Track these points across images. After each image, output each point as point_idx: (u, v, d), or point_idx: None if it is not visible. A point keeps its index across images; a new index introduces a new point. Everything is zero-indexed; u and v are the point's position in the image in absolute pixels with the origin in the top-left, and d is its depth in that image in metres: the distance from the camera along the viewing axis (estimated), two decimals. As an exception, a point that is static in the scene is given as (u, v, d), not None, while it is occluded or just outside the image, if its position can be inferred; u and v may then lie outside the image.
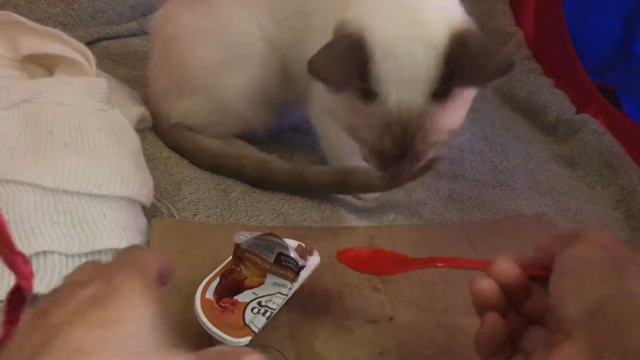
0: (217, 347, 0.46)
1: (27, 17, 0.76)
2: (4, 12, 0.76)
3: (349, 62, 0.52)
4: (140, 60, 0.90)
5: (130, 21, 1.05)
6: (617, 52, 1.13)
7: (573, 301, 0.33)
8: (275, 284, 0.53)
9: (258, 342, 0.48)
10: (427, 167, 0.65)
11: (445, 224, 0.72)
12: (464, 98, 0.57)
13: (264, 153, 0.75)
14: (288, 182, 0.72)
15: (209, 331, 0.48)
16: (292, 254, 0.53)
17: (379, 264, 0.51)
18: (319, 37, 0.55)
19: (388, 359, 0.51)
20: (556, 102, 1.00)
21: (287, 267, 0.53)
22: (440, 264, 0.47)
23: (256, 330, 0.49)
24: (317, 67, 0.51)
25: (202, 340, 0.47)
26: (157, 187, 0.65)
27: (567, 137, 0.94)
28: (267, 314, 0.50)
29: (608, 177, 0.85)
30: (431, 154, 0.59)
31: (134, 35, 1.03)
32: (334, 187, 0.72)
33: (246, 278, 0.54)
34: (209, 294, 0.52)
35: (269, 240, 0.54)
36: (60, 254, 0.51)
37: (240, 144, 0.77)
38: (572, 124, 0.95)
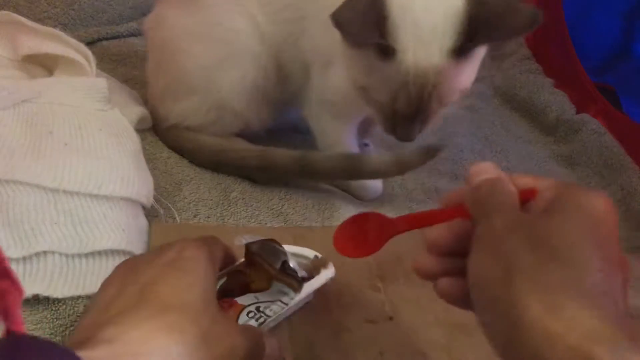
0: (248, 324, 0.49)
1: (27, 17, 0.75)
2: (4, 12, 0.76)
3: (369, 16, 0.53)
4: (140, 60, 0.90)
5: (130, 21, 1.05)
6: (617, 52, 1.14)
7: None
8: (279, 291, 0.52)
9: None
10: (433, 155, 0.66)
11: (445, 224, 0.71)
12: (477, 56, 0.57)
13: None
14: (293, 169, 0.70)
15: None
16: (292, 263, 0.52)
17: (367, 239, 0.47)
18: (314, 29, 0.55)
19: (388, 359, 0.51)
20: (556, 102, 1.00)
21: (291, 275, 0.53)
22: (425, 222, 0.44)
23: None
24: (340, 20, 0.52)
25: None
26: (157, 187, 0.65)
27: (567, 137, 0.94)
28: (261, 320, 0.49)
29: (608, 177, 0.85)
30: (440, 115, 0.60)
31: (134, 35, 1.02)
32: (340, 173, 0.70)
33: (252, 281, 0.53)
34: None
35: (275, 246, 0.53)
36: (60, 254, 0.51)
37: (240, 142, 0.77)
38: (572, 124, 0.95)
